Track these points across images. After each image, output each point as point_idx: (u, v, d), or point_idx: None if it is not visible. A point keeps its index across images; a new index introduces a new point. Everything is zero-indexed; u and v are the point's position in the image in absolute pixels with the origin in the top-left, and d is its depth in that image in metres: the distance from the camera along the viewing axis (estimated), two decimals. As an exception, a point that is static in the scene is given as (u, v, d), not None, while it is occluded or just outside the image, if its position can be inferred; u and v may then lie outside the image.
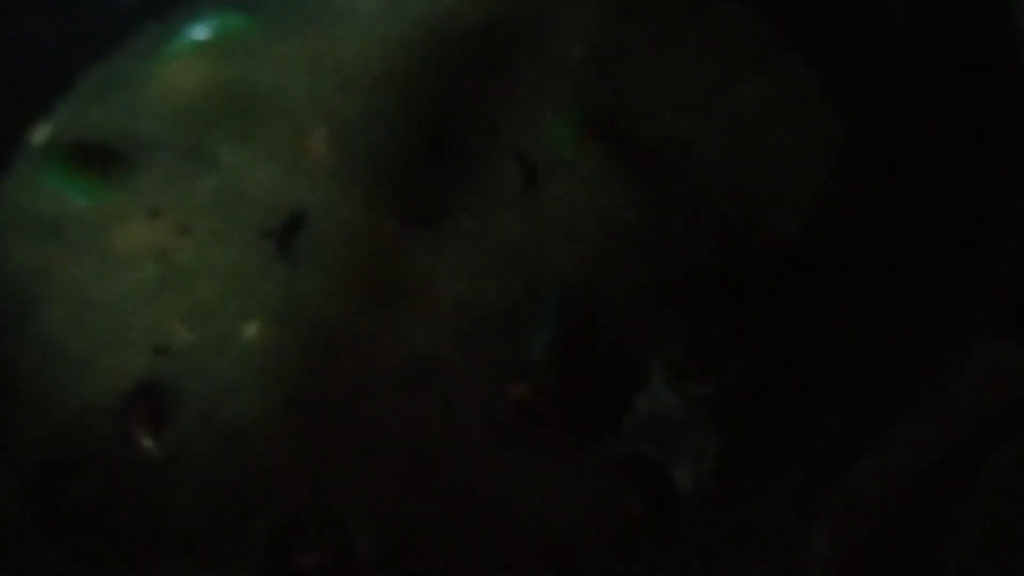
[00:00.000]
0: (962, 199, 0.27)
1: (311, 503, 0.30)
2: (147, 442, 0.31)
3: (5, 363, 0.34)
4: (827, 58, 0.34)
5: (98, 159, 0.37)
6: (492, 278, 0.33)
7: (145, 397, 0.32)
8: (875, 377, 0.28)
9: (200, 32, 0.40)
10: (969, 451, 0.24)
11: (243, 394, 0.32)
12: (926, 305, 0.28)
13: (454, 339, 0.32)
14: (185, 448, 0.31)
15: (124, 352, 0.33)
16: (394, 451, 0.30)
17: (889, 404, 0.25)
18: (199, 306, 0.34)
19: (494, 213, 0.34)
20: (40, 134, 0.39)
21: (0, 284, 0.35)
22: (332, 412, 0.31)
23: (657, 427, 0.29)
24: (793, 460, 0.28)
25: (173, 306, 0.34)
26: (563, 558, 0.28)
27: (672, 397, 0.30)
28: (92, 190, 0.37)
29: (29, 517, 0.30)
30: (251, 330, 0.33)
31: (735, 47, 0.36)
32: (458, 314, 0.32)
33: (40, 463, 0.31)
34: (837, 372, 0.29)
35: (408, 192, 0.35)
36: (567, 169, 0.35)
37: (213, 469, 0.31)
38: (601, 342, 0.31)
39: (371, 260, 0.34)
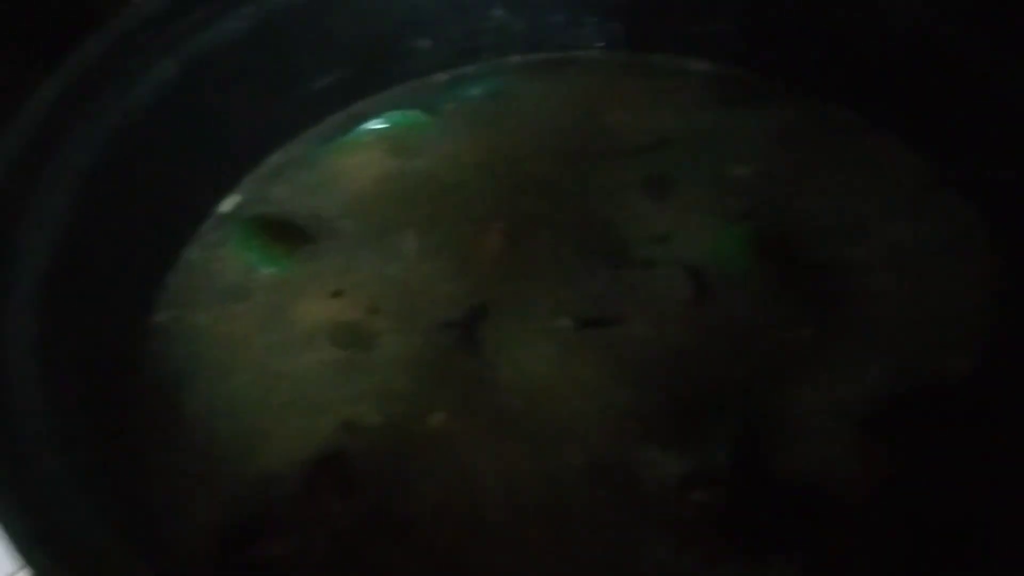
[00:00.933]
0: None
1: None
2: (336, 508, 0.33)
3: (189, 423, 0.35)
4: (993, 199, 0.36)
5: (284, 233, 0.40)
6: (664, 385, 0.35)
7: (332, 466, 0.33)
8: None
9: (378, 123, 0.43)
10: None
11: (428, 479, 0.33)
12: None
13: (628, 442, 0.33)
14: (372, 520, 0.32)
15: (310, 422, 0.35)
16: (582, 549, 0.31)
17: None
18: (386, 389, 0.35)
19: (665, 321, 0.36)
20: (227, 204, 0.41)
21: (184, 345, 0.37)
22: (517, 505, 0.32)
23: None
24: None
25: (357, 384, 0.35)
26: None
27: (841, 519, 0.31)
28: (278, 261, 0.39)
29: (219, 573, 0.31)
30: (437, 419, 0.34)
31: (895, 182, 0.38)
32: (632, 418, 0.34)
33: (230, 524, 0.32)
34: (1003, 515, 0.30)
35: (581, 294, 0.37)
36: (737, 283, 0.36)
37: (396, 546, 0.32)
38: (775, 458, 0.32)
39: (548, 360, 0.35)
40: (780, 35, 0.42)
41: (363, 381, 0.36)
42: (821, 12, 0.41)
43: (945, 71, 0.37)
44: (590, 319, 0.36)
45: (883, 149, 0.39)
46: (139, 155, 0.37)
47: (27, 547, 0.25)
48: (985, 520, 0.30)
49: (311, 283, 0.38)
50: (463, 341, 0.36)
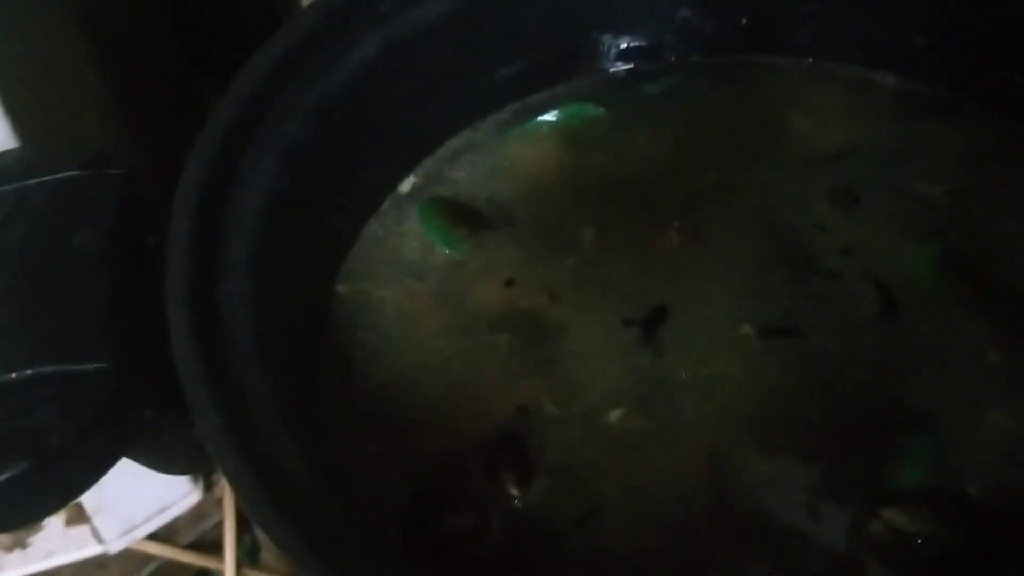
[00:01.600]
0: None
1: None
2: (514, 490, 0.33)
3: (373, 390, 0.36)
4: None
5: (464, 216, 0.40)
6: (850, 400, 0.34)
7: (509, 447, 0.34)
8: None
9: (555, 115, 0.43)
10: None
11: (604, 473, 0.33)
12: None
13: (813, 455, 0.33)
14: (549, 506, 0.33)
15: (486, 403, 0.35)
16: (755, 546, 0.31)
17: None
18: (562, 380, 0.35)
19: (850, 335, 0.35)
20: (407, 184, 0.42)
21: (367, 315, 0.38)
22: (687, 503, 0.32)
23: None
24: None
25: (534, 372, 0.36)
26: None
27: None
28: (458, 243, 0.39)
29: (407, 539, 0.32)
30: (616, 415, 0.34)
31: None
32: (815, 431, 0.33)
33: (417, 492, 0.33)
34: None
35: (764, 302, 0.36)
36: (925, 301, 0.36)
37: (568, 535, 0.32)
38: (971, 483, 0.32)
39: (730, 364, 0.35)
40: (971, 50, 0.41)
41: (540, 369, 0.36)
42: (1014, 26, 0.40)
43: None
44: (773, 328, 0.36)
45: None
46: (337, 128, 0.38)
47: (254, 502, 0.26)
48: None
49: (489, 268, 0.39)
50: (643, 340, 0.36)
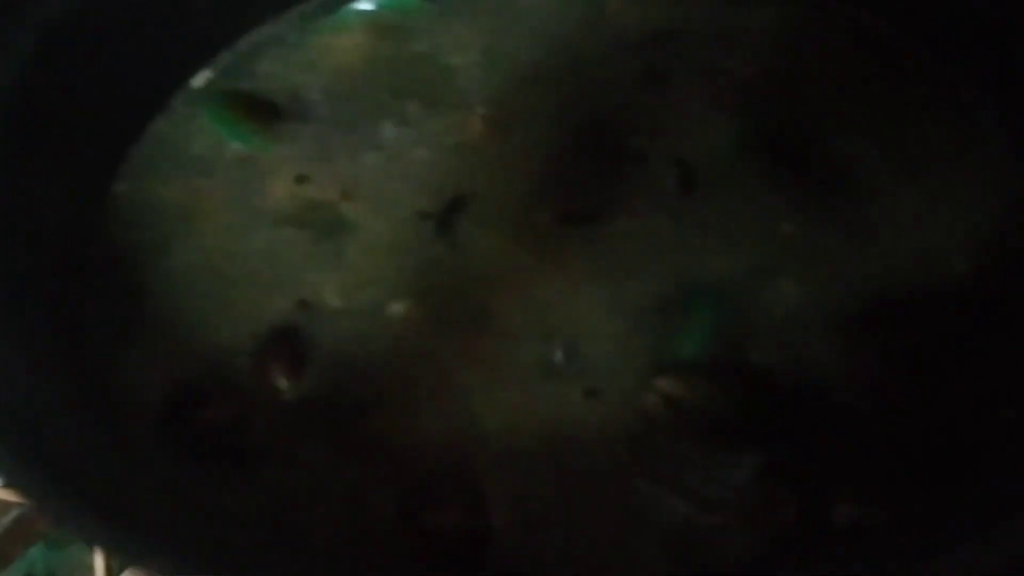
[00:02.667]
0: None
1: (446, 468, 0.29)
2: (282, 383, 0.31)
3: (144, 291, 0.34)
4: (1012, 104, 0.34)
5: (259, 109, 0.38)
6: (643, 277, 0.33)
7: (284, 340, 0.32)
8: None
9: (368, 4, 0.41)
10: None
11: (383, 368, 0.31)
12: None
13: (600, 334, 0.32)
14: (319, 399, 0.31)
15: (265, 298, 0.33)
16: (535, 429, 0.30)
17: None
18: (348, 274, 0.33)
19: (649, 214, 0.34)
20: (200, 78, 0.39)
21: (143, 215, 0.36)
22: (471, 394, 0.31)
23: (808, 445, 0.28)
24: (946, 503, 0.27)
25: (320, 267, 0.34)
26: (697, 559, 0.27)
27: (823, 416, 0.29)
28: (249, 137, 0.37)
29: (162, 439, 0.30)
30: (399, 307, 0.32)
31: (915, 86, 0.36)
32: (606, 310, 0.32)
33: (175, 390, 0.31)
34: (1000, 422, 0.28)
35: (566, 188, 0.35)
36: (727, 176, 0.34)
37: (349, 425, 0.30)
38: (755, 351, 0.30)
39: (525, 252, 0.33)
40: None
41: (326, 264, 0.34)
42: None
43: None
44: (572, 214, 0.34)
45: (895, 49, 0.36)
46: (111, 11, 0.35)
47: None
48: (976, 432, 0.28)
49: (280, 163, 0.36)
50: (438, 231, 0.34)
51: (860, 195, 0.33)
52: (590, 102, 0.37)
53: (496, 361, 0.31)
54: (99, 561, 0.34)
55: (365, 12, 0.41)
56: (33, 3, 0.33)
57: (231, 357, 0.32)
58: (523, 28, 0.40)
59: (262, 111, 0.38)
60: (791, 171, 0.34)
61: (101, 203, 0.36)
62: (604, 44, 0.39)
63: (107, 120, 0.36)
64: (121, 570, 0.34)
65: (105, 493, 0.25)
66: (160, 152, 0.37)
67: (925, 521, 0.26)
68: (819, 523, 0.27)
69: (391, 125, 0.37)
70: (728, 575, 0.27)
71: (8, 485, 0.25)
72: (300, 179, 0.36)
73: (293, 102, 0.38)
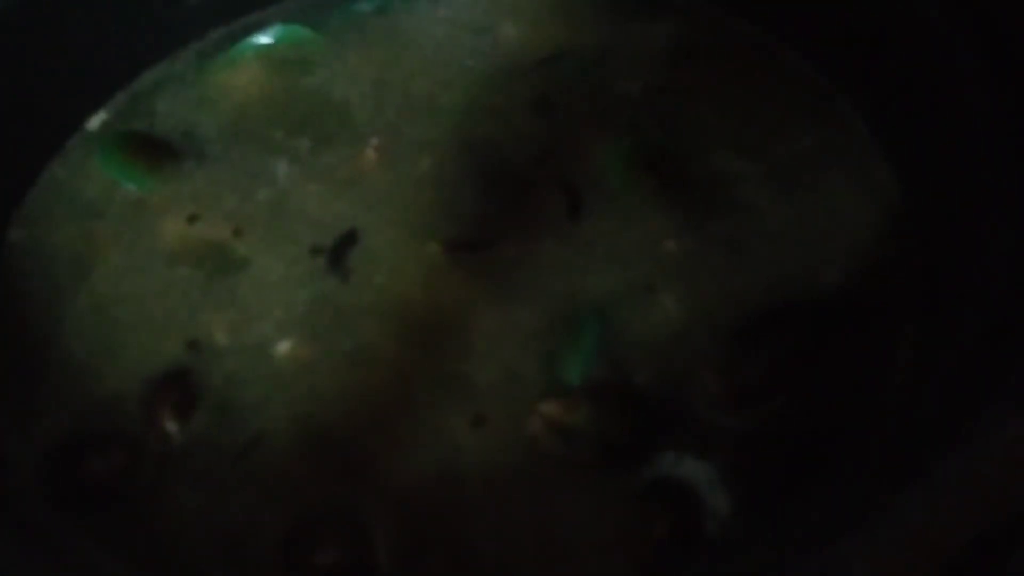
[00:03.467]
0: (1015, 263, 0.27)
1: (332, 504, 0.29)
2: (171, 427, 0.31)
3: (37, 341, 0.34)
4: (885, 113, 0.34)
5: (151, 150, 0.38)
6: (530, 302, 0.33)
7: (174, 384, 0.32)
8: (904, 433, 0.28)
9: (263, 38, 0.41)
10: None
11: (269, 404, 0.32)
12: (964, 371, 0.28)
13: (488, 361, 0.32)
14: (208, 441, 0.31)
15: (156, 341, 0.33)
16: (422, 462, 0.30)
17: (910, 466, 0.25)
18: (238, 312, 0.34)
19: (537, 240, 0.34)
20: (95, 120, 0.39)
21: (39, 262, 0.36)
22: (358, 425, 0.31)
23: (687, 460, 0.29)
24: (818, 504, 0.27)
25: (212, 306, 0.34)
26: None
27: (704, 431, 0.29)
28: (142, 178, 0.37)
29: (46, 489, 0.30)
30: (285, 347, 0.33)
31: (793, 96, 0.36)
32: (494, 337, 0.32)
33: (64, 438, 0.31)
34: (871, 421, 0.29)
35: (455, 218, 0.35)
36: (612, 198, 0.35)
37: (233, 465, 0.31)
38: (638, 371, 0.31)
39: (413, 284, 0.34)
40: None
41: (217, 303, 0.34)
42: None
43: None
44: (460, 242, 0.35)
45: (778, 62, 0.37)
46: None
47: None
48: (852, 430, 0.29)
49: (173, 203, 0.37)
50: (330, 267, 0.35)
51: (737, 211, 0.33)
52: (481, 129, 0.37)
53: (383, 395, 0.32)
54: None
55: (261, 46, 0.41)
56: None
57: (122, 403, 0.32)
58: (415, 57, 0.40)
59: (156, 151, 0.38)
60: (673, 189, 0.34)
61: (-5, 252, 0.36)
62: (495, 71, 0.39)
63: (2, 166, 0.36)
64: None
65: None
66: (54, 197, 0.37)
67: (795, 524, 0.27)
68: (691, 537, 0.27)
69: (284, 162, 0.37)
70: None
71: None
72: (192, 219, 0.36)
73: (188, 141, 0.38)
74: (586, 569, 0.28)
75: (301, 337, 0.33)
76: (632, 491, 0.29)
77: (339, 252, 0.35)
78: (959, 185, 0.30)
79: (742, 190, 0.34)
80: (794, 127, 0.35)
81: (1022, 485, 0.23)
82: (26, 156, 0.37)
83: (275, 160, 0.38)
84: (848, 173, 0.34)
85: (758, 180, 0.34)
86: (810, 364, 0.30)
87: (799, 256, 0.32)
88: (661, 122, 0.36)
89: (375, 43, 0.41)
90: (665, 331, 0.32)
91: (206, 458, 0.31)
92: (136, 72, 0.40)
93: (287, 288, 0.34)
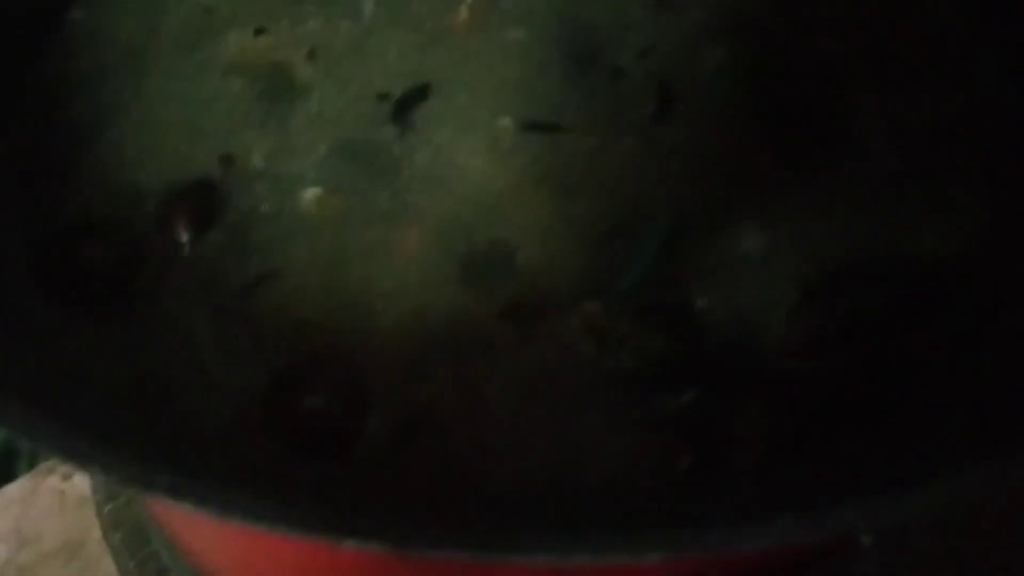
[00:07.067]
0: None
1: (335, 353, 0.27)
2: (184, 236, 0.29)
3: (77, 123, 0.32)
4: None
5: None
6: (594, 199, 0.30)
7: (197, 194, 0.30)
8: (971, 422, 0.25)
9: None
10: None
11: (291, 244, 0.29)
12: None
13: (536, 250, 0.29)
14: (217, 263, 0.29)
15: (191, 148, 0.31)
16: (441, 338, 0.27)
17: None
18: (282, 139, 0.31)
19: (616, 135, 0.31)
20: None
21: (96, 47, 0.33)
22: (380, 287, 0.28)
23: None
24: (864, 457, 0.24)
25: (257, 126, 0.31)
26: (582, 490, 0.25)
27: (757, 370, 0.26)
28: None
29: (40, 268, 0.28)
30: (319, 190, 0.30)
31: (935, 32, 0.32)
32: (548, 228, 0.29)
33: (74, 218, 0.29)
34: (942, 399, 0.25)
35: (535, 97, 0.32)
36: (709, 108, 0.31)
37: (239, 295, 0.28)
38: (698, 295, 0.28)
39: (473, 154, 0.31)
40: None
41: (263, 124, 0.32)
42: None
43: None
44: (535, 122, 0.32)
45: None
46: None
47: None
48: (916, 410, 0.26)
49: (242, 13, 0.34)
50: (392, 116, 0.32)
51: (848, 149, 0.30)
52: (586, 12, 0.34)
53: (410, 260, 0.29)
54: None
55: None
56: None
57: (141, 200, 0.30)
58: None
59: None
60: (780, 114, 0.31)
61: (52, 28, 0.34)
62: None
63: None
64: None
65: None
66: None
67: (834, 470, 0.23)
68: (716, 471, 0.24)
69: (374, 3, 0.35)
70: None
71: None
72: (259, 32, 0.33)
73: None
74: (594, 484, 0.25)
75: (340, 182, 0.30)
76: (659, 417, 0.26)
77: (407, 103, 0.32)
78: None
79: (860, 130, 0.30)
80: (940, 73, 0.31)
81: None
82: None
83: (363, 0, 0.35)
84: (981, 140, 0.30)
85: (879, 123, 0.30)
86: (888, 329, 0.27)
87: (903, 214, 0.29)
88: (786, 46, 0.32)
89: None
90: (738, 261, 0.28)
91: (210, 279, 0.28)
92: None
93: (340, 126, 0.32)
